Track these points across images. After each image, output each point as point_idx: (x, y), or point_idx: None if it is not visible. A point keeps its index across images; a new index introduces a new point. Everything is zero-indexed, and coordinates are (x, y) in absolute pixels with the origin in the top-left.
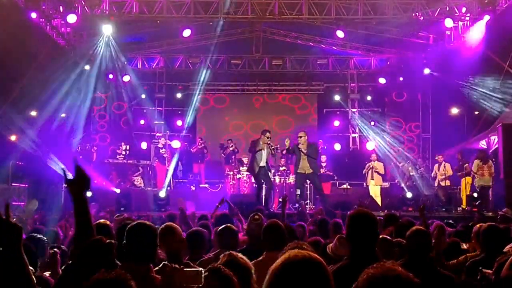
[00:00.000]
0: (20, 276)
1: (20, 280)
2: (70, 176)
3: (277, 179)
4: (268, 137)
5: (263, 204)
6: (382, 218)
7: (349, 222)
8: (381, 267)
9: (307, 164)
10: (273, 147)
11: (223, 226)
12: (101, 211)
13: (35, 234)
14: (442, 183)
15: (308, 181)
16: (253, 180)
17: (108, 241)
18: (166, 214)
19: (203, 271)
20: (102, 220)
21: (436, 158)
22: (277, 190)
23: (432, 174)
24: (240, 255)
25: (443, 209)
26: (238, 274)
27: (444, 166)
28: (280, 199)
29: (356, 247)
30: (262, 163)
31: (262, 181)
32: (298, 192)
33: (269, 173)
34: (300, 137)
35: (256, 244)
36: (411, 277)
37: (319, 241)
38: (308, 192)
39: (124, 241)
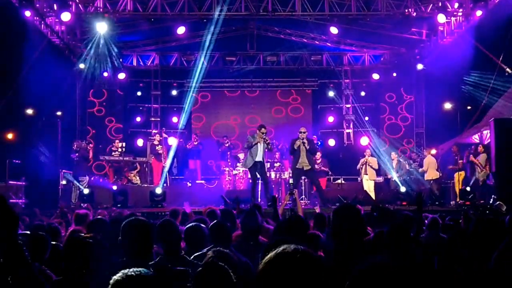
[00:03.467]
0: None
1: (21, 269)
2: None
3: (272, 174)
4: (263, 132)
5: (259, 199)
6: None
7: (334, 217)
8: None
9: (306, 160)
10: (268, 141)
11: (214, 222)
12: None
13: (37, 232)
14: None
15: (303, 177)
16: (249, 175)
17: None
18: (170, 210)
19: (189, 270)
20: (99, 216)
21: (425, 152)
22: (273, 186)
23: (424, 169)
24: (226, 251)
25: (437, 203)
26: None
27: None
28: (269, 202)
29: (342, 243)
30: (258, 158)
31: (258, 176)
32: (291, 181)
33: (265, 168)
34: (304, 132)
35: (250, 239)
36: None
37: (318, 235)
38: (303, 188)
39: (120, 238)
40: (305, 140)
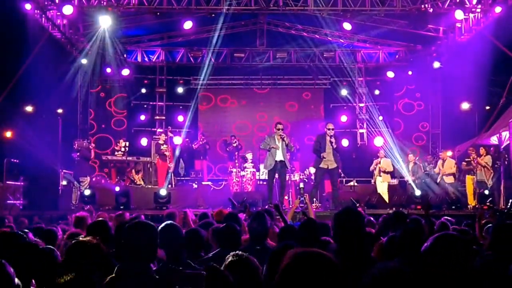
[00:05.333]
0: None
1: None
2: None
3: None
4: (278, 129)
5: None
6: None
7: (334, 222)
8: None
9: (332, 158)
10: (284, 137)
11: (224, 224)
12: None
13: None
14: (447, 180)
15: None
16: (257, 177)
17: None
18: (166, 213)
19: (203, 273)
20: (100, 218)
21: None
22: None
23: (436, 171)
24: (246, 255)
25: (453, 207)
26: (246, 275)
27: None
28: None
29: (344, 248)
30: (278, 157)
31: (277, 176)
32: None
33: (285, 170)
34: (332, 129)
35: (258, 243)
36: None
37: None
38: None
39: (123, 240)
40: (332, 139)
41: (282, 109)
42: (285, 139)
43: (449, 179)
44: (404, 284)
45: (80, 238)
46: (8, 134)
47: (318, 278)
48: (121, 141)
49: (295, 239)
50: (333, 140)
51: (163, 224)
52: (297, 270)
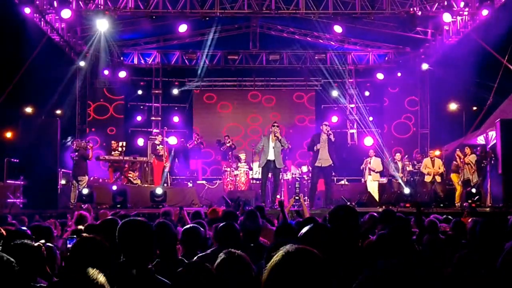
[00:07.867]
0: None
1: None
2: None
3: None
4: (273, 131)
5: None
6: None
7: (330, 219)
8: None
9: (327, 155)
10: (278, 137)
11: (225, 223)
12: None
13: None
14: (428, 179)
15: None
16: (250, 176)
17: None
18: (162, 211)
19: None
20: (110, 217)
21: (429, 153)
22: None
23: (423, 170)
24: (239, 252)
25: (441, 205)
26: (239, 272)
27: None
28: (277, 204)
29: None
30: (270, 156)
31: (269, 175)
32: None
33: (279, 170)
34: (328, 125)
35: (251, 240)
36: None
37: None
38: (305, 189)
39: (118, 238)
40: (330, 131)
41: (274, 110)
42: (277, 134)
43: (437, 178)
44: (409, 281)
45: (84, 235)
46: (9, 134)
47: (300, 273)
48: (118, 140)
49: (294, 237)
50: (331, 132)
51: (156, 223)
52: (281, 268)
